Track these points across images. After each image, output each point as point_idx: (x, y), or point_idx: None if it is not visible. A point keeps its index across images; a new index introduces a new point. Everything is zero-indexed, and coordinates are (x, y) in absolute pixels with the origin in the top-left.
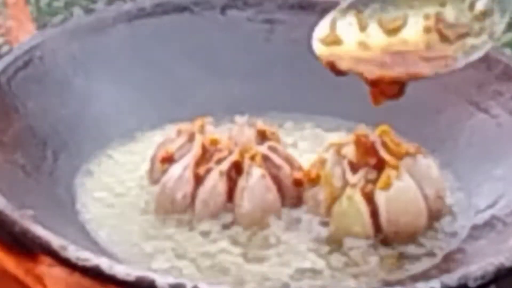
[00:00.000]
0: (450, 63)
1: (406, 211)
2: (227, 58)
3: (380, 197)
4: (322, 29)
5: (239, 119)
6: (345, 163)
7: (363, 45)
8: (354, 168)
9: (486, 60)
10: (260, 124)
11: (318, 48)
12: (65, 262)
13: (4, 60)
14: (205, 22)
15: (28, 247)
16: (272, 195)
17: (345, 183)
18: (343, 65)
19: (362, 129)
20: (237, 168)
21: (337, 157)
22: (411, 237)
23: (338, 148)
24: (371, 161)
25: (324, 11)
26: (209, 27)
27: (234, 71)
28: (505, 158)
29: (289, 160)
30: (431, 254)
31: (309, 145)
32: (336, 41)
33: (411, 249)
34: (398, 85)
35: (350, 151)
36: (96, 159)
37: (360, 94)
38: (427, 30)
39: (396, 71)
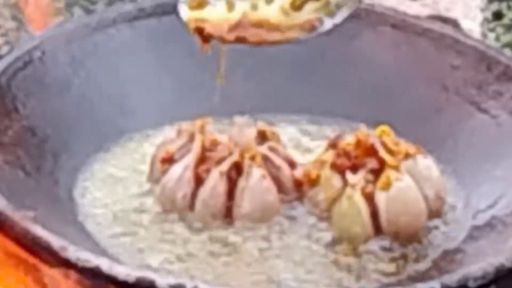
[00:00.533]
0: (316, 26)
1: (406, 211)
2: (227, 58)
3: (380, 198)
4: None
5: (239, 119)
6: (345, 163)
7: (229, 3)
8: (354, 168)
9: (486, 61)
10: (260, 124)
11: (185, 12)
12: (65, 263)
13: (4, 61)
14: None
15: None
16: (272, 195)
17: (345, 184)
18: (208, 29)
19: (363, 129)
20: (237, 169)
21: (337, 157)
22: (411, 237)
23: (338, 148)
24: (371, 161)
25: None
26: None
27: (234, 71)
28: (505, 159)
29: (289, 161)
30: (431, 254)
31: (309, 146)
32: (202, 3)
33: (411, 249)
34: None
35: (350, 151)
36: (96, 159)
37: (360, 94)
38: None
39: (257, 38)
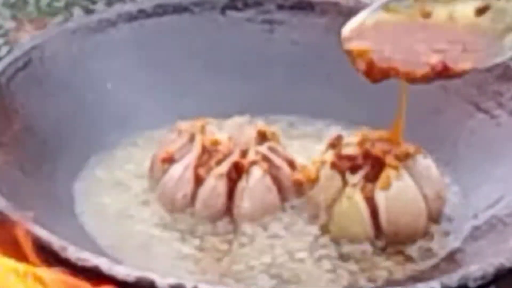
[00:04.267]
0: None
1: (406, 211)
2: (227, 58)
3: (380, 197)
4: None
5: (239, 119)
6: (345, 163)
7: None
8: (354, 168)
9: None
10: (260, 124)
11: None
12: (65, 263)
13: (4, 61)
14: (205, 23)
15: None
16: (272, 195)
17: (345, 184)
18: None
19: (363, 129)
20: (237, 169)
21: (337, 157)
22: (411, 237)
23: (338, 148)
24: (371, 161)
25: (323, 12)
26: (209, 27)
27: (234, 71)
28: (505, 158)
29: (289, 161)
30: (431, 254)
31: (309, 146)
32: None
33: (411, 249)
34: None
35: (350, 151)
36: (96, 159)
37: (360, 94)
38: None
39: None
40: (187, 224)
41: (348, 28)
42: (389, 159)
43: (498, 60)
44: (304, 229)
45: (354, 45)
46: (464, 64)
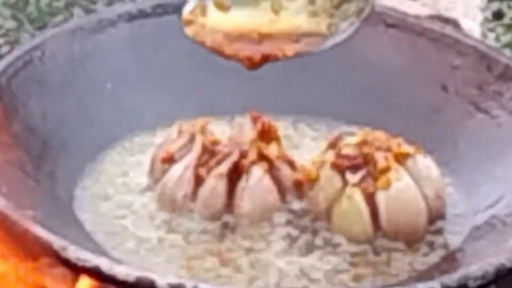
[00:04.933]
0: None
1: (406, 211)
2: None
3: (380, 197)
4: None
5: (239, 119)
6: (345, 163)
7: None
8: (354, 168)
9: (486, 61)
10: (260, 124)
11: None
12: (65, 263)
13: (4, 61)
14: None
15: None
16: (272, 195)
17: (345, 183)
18: (208, 41)
19: (364, 129)
20: (237, 169)
21: (337, 157)
22: (411, 237)
23: (338, 148)
24: (371, 161)
25: None
26: None
27: (234, 71)
28: (505, 158)
29: (289, 161)
30: (431, 254)
31: (309, 146)
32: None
33: (411, 249)
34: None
35: (350, 151)
36: (96, 159)
37: (360, 94)
38: None
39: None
40: (187, 224)
41: (187, 10)
42: (389, 159)
43: (334, 41)
44: (304, 228)
45: (190, 32)
46: (288, 51)
